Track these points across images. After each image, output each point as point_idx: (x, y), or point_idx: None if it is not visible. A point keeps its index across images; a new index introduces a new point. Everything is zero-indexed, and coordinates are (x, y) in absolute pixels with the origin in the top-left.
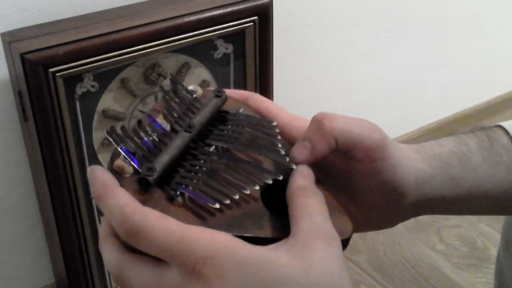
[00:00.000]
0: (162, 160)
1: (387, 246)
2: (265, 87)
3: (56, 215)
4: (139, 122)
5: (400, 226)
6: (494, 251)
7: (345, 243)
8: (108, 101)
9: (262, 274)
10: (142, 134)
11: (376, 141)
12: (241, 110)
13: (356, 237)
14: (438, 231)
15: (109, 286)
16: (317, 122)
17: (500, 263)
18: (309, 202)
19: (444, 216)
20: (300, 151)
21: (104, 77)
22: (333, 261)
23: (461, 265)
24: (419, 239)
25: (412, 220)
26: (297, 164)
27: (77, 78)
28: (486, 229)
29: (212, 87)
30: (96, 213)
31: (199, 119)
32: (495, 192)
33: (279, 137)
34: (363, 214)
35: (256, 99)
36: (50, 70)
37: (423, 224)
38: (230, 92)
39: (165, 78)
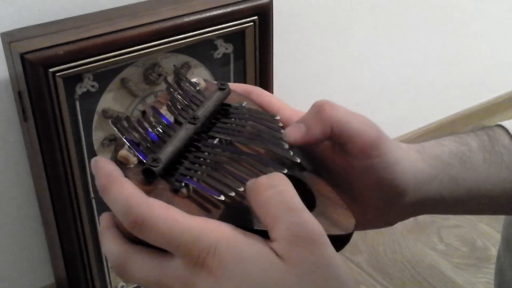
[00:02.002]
0: (167, 151)
1: (387, 246)
2: (265, 87)
3: (56, 215)
4: (144, 113)
5: (400, 226)
6: (494, 251)
7: (347, 238)
8: (108, 101)
9: (254, 273)
10: (147, 125)
11: (372, 137)
12: (244, 104)
13: (356, 237)
14: (438, 231)
15: (109, 286)
16: (318, 107)
17: (500, 263)
18: (269, 198)
19: (444, 216)
20: (294, 132)
21: (104, 77)
22: (324, 262)
23: (461, 265)
24: (419, 239)
25: (412, 220)
26: (288, 143)
27: (77, 78)
28: (486, 229)
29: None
30: (96, 213)
31: (203, 111)
32: (496, 192)
33: (282, 130)
34: (362, 213)
35: (259, 93)
36: (50, 70)
37: (423, 224)
38: (233, 85)
39: (165, 77)
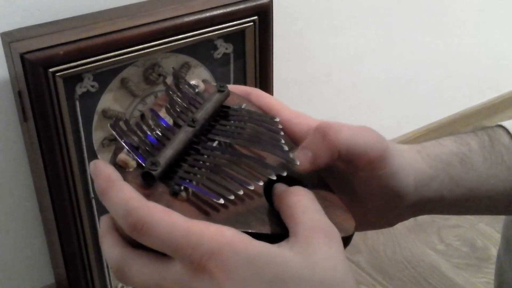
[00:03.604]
0: (166, 154)
1: (387, 246)
2: (265, 87)
3: (56, 215)
4: (142, 116)
5: (400, 226)
6: (494, 251)
7: (347, 240)
8: (108, 101)
9: (267, 270)
10: (145, 128)
11: (379, 152)
12: (243, 106)
13: (356, 237)
14: (438, 231)
15: (109, 286)
16: (322, 133)
17: (500, 263)
18: (301, 200)
19: (444, 216)
20: (302, 160)
21: (104, 77)
22: (336, 256)
23: (461, 265)
24: (419, 239)
25: (412, 220)
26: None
27: (77, 78)
28: (486, 229)
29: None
30: (96, 213)
31: (202, 114)
32: (496, 192)
33: (282, 133)
34: (362, 214)
35: (258, 94)
36: (50, 70)
37: (423, 224)
38: (232, 87)
39: (165, 78)
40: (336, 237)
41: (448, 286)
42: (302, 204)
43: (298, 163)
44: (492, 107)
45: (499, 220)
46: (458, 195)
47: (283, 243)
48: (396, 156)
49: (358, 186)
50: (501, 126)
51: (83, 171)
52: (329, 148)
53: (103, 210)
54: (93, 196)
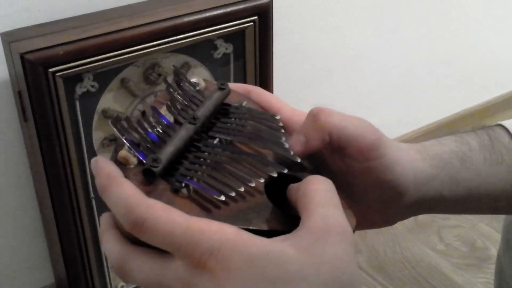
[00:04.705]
0: (167, 151)
1: (387, 246)
2: (265, 87)
3: (56, 215)
4: (143, 113)
5: (400, 226)
6: (494, 251)
7: None
8: (108, 101)
9: (269, 269)
10: (146, 125)
11: (370, 140)
12: (244, 104)
13: (356, 237)
14: (438, 231)
15: (109, 286)
16: (313, 116)
17: (500, 263)
18: (320, 191)
19: (444, 216)
20: (295, 144)
21: (104, 77)
22: (345, 257)
23: (461, 265)
24: (419, 239)
25: (412, 220)
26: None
27: (77, 78)
28: (486, 229)
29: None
30: (96, 213)
31: (203, 111)
32: (496, 191)
33: (282, 130)
34: (362, 212)
35: (259, 92)
36: (50, 70)
37: (423, 224)
38: (233, 85)
39: (165, 77)
40: (349, 236)
41: (448, 286)
42: (319, 196)
43: (298, 160)
44: (492, 107)
45: (499, 220)
46: (458, 195)
47: (289, 237)
48: (391, 149)
49: (355, 182)
50: (501, 125)
51: (83, 171)
52: (320, 131)
53: (103, 210)
54: (93, 196)
